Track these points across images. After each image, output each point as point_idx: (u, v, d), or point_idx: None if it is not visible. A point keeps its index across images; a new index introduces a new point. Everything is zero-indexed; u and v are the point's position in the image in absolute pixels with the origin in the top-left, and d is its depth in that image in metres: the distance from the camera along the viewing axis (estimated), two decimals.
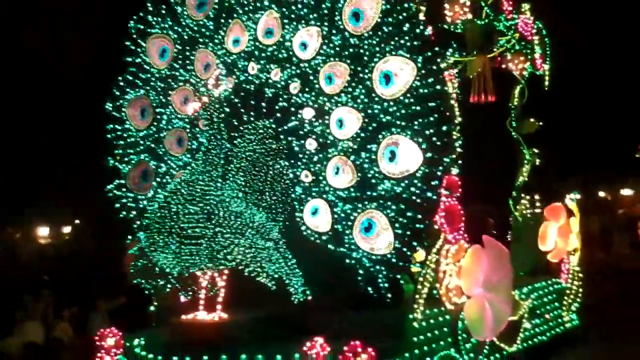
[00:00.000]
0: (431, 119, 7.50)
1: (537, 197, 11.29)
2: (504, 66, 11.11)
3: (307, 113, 8.35)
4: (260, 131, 8.59)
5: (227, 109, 8.58)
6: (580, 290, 11.06)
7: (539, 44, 11.08)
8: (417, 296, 7.74)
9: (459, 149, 7.68)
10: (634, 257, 23.91)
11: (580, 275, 11.07)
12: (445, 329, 8.19)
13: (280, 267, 7.83)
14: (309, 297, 8.11)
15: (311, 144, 8.34)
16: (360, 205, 7.92)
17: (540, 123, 11.30)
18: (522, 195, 11.22)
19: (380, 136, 7.79)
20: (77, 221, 26.81)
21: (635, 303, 14.23)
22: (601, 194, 45.79)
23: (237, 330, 7.77)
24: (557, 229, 10.65)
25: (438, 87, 7.50)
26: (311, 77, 8.35)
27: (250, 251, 7.56)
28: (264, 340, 7.58)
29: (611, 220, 28.53)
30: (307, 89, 8.37)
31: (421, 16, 7.96)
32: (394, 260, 7.69)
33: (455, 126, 7.65)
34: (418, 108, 7.57)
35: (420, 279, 7.73)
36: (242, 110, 8.74)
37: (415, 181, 7.56)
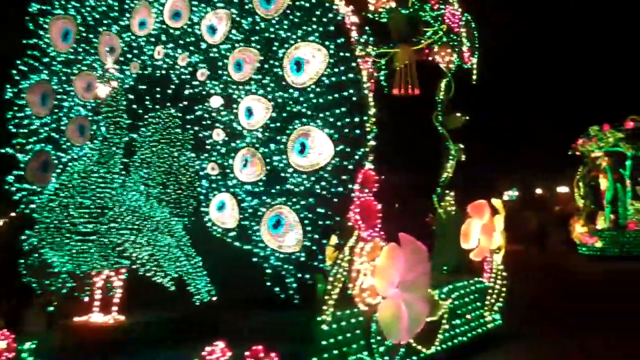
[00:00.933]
0: (343, 109, 7.00)
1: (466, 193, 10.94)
2: (430, 58, 10.76)
3: (215, 101, 7.85)
4: (166, 120, 8.04)
5: (131, 96, 7.97)
6: (504, 289, 10.75)
7: (467, 37, 10.77)
8: (326, 297, 7.25)
9: (372, 142, 7.20)
10: (567, 254, 24.17)
11: (504, 274, 10.74)
12: (357, 332, 7.73)
13: (182, 266, 7.28)
14: (214, 298, 7.58)
15: (218, 135, 7.83)
16: (268, 200, 7.43)
17: (467, 117, 10.95)
18: (447, 191, 10.84)
19: (290, 127, 7.30)
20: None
21: (564, 301, 14.20)
22: (538, 191, 46.50)
23: (134, 333, 7.20)
24: (480, 226, 10.31)
25: (351, 75, 7.01)
26: (220, 63, 7.84)
27: (147, 249, 7.01)
28: (162, 343, 7.01)
29: (548, 217, 28.73)
30: (215, 76, 7.84)
31: (342, 3, 7.47)
32: (302, 258, 7.18)
33: (369, 117, 7.16)
34: (330, 97, 7.10)
35: (330, 278, 7.23)
36: (147, 97, 8.13)
37: (326, 175, 7.10)
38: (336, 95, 7.11)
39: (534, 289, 15.90)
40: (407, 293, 8.09)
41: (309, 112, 7.24)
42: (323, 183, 7.16)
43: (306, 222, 7.25)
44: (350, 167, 7.07)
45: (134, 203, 7.23)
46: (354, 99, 7.07)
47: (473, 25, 10.90)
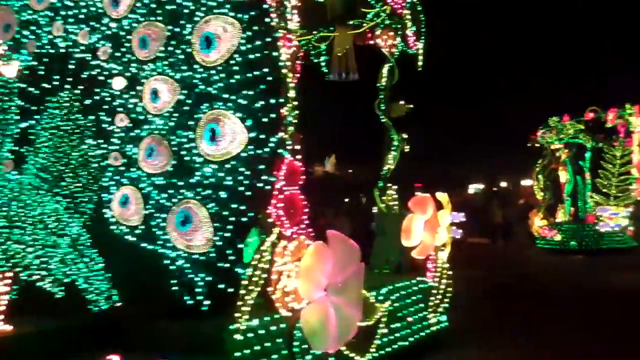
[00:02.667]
0: (257, 90, 6.18)
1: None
2: (372, 42, 10.02)
3: (118, 83, 6.95)
4: (65, 105, 7.10)
5: (28, 78, 7.07)
6: (450, 289, 10.02)
7: (412, 20, 10.02)
8: (239, 303, 6.42)
9: (291, 128, 6.39)
10: (527, 248, 23.74)
11: (450, 272, 10.01)
12: (279, 341, 6.92)
13: (76, 269, 6.38)
14: (117, 304, 6.72)
15: (122, 120, 6.96)
16: (176, 194, 6.58)
17: (411, 106, 10.21)
18: (389, 185, 10.09)
19: (199, 111, 6.47)
20: None
21: (516, 298, 13.61)
22: (503, 184, 46.30)
23: (21, 345, 6.28)
24: (423, 222, 9.55)
25: (266, 52, 6.19)
26: (123, 40, 6.95)
27: (31, 249, 6.07)
28: (53, 356, 6.12)
29: (512, 210, 28.46)
30: (118, 54, 6.95)
31: None
32: (213, 260, 6.35)
33: (288, 100, 6.35)
34: (243, 77, 6.27)
35: (244, 282, 6.40)
36: (45, 79, 7.19)
37: (239, 166, 6.27)
38: (249, 75, 6.28)
39: (486, 286, 15.36)
40: (336, 296, 7.30)
41: (220, 94, 6.42)
42: (235, 174, 6.33)
43: (217, 218, 6.40)
44: (266, 156, 6.23)
45: (21, 197, 6.31)
46: (269, 78, 6.24)
47: (419, 8, 10.15)
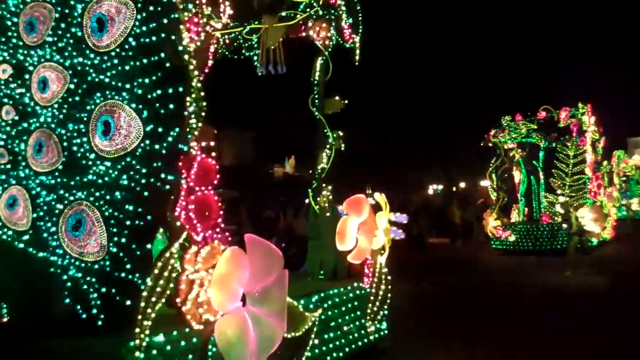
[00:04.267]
0: (154, 78, 5.47)
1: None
2: (304, 34, 9.41)
3: (3, 71, 6.18)
4: None
5: None
6: (389, 294, 9.43)
7: (348, 12, 9.44)
8: (139, 317, 5.69)
9: (194, 121, 5.69)
10: (482, 249, 23.42)
11: (389, 277, 9.42)
12: (190, 357, 6.22)
13: None
14: (4, 319, 5.96)
15: (8, 113, 6.19)
16: (66, 195, 5.85)
17: (346, 102, 9.62)
18: (324, 185, 9.47)
19: (91, 102, 5.74)
20: None
21: (463, 302, 13.14)
22: (462, 184, 46.15)
23: None
24: (358, 225, 8.93)
25: (163, 35, 5.50)
26: (8, 23, 6.19)
27: None
28: None
29: (471, 211, 28.29)
30: (3, 39, 6.19)
31: None
32: (107, 269, 5.63)
33: (190, 89, 5.65)
34: (138, 63, 5.56)
35: (145, 293, 5.68)
36: None
37: (134, 162, 5.56)
38: (145, 61, 5.57)
39: (434, 290, 14.88)
40: (256, 307, 6.66)
41: (114, 83, 5.69)
42: (131, 172, 5.62)
43: (112, 222, 5.68)
44: (164, 152, 5.53)
45: None
46: (167, 65, 5.54)
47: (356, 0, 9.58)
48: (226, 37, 9.42)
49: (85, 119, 5.84)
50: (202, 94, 6.03)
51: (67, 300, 5.92)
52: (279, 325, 6.87)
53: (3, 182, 6.25)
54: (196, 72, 5.88)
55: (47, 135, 6.01)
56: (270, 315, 6.78)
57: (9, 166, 6.23)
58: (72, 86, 5.94)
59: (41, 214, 6.04)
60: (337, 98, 9.73)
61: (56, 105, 6.00)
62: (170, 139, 5.57)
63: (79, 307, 5.87)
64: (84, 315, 5.86)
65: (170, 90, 5.57)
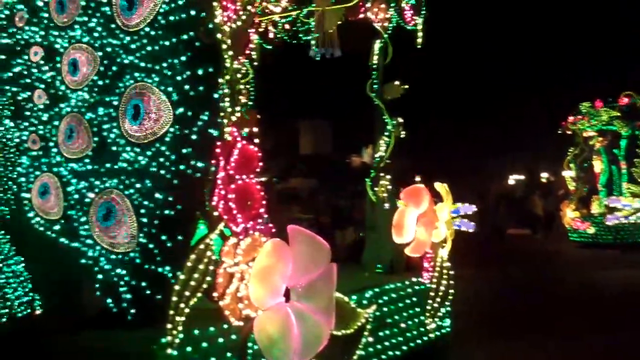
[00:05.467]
0: (183, 58, 5.13)
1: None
2: (362, 16, 8.96)
3: (35, 53, 5.95)
4: None
5: None
6: (451, 290, 8.90)
7: None
8: (172, 312, 5.37)
9: (227, 104, 5.33)
10: (559, 241, 22.51)
11: (451, 272, 8.89)
12: (228, 355, 5.88)
13: None
14: (37, 311, 5.75)
15: (40, 97, 5.96)
16: (97, 183, 5.58)
17: (407, 87, 9.13)
18: (382, 174, 9.02)
19: (121, 84, 5.44)
20: None
21: (535, 297, 12.48)
22: (544, 175, 44.81)
23: None
24: (417, 216, 8.44)
25: (193, 12, 5.15)
26: (39, 3, 5.95)
27: None
28: None
29: (554, 202, 27.34)
30: (35, 20, 5.96)
31: None
32: (138, 261, 5.34)
33: (221, 70, 5.30)
34: (167, 43, 5.22)
35: (177, 287, 5.36)
36: None
37: (164, 148, 5.23)
38: (174, 40, 5.23)
39: (502, 284, 14.22)
40: (300, 303, 6.24)
41: (143, 64, 5.38)
42: (161, 159, 5.30)
43: (142, 211, 5.38)
44: (193, 137, 5.20)
45: None
46: (197, 44, 5.19)
47: None
48: (285, 21, 9.09)
49: (115, 102, 5.54)
50: (240, 76, 5.68)
51: (98, 293, 5.65)
52: (326, 322, 6.42)
53: (36, 169, 6.02)
54: (231, 53, 5.51)
55: (78, 120, 5.76)
56: (316, 311, 6.35)
57: (40, 152, 6.00)
58: (102, 68, 5.66)
59: (72, 202, 5.80)
60: (397, 83, 9.24)
61: (86, 89, 5.74)
62: (200, 123, 5.22)
63: (109, 300, 5.59)
64: (115, 309, 5.58)
65: (200, 71, 5.20)
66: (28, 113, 6.11)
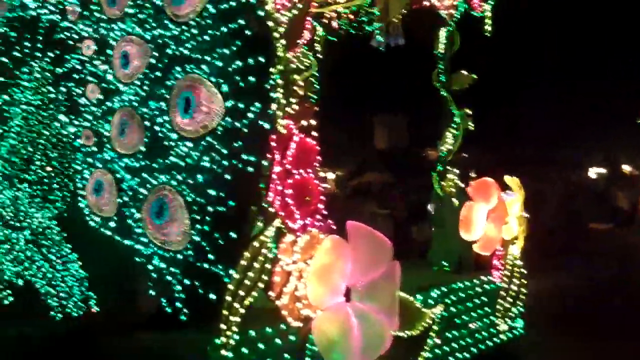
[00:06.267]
0: (234, 48, 4.93)
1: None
2: (427, 4, 8.61)
3: (88, 47, 5.86)
4: (37, 76, 6.09)
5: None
6: (523, 289, 8.48)
7: None
8: (226, 312, 5.19)
9: (280, 95, 5.09)
10: None
11: (523, 271, 8.46)
12: (286, 357, 5.66)
13: (36, 269, 5.37)
14: (93, 309, 5.67)
15: (93, 92, 5.85)
16: (150, 179, 5.44)
17: (475, 77, 8.74)
18: (449, 168, 8.66)
19: (172, 76, 5.28)
20: None
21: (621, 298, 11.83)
22: (626, 167, 43.25)
23: None
24: (486, 212, 8.06)
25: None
26: None
27: None
28: None
29: (636, 195, 26.32)
30: (86, 13, 5.87)
31: None
32: (190, 259, 5.17)
33: (273, 60, 5.06)
34: (217, 33, 5.03)
35: (231, 286, 5.18)
36: (17, 46, 6.22)
37: (215, 142, 5.05)
38: (224, 30, 5.03)
39: (580, 282, 13.55)
40: (361, 302, 5.96)
41: (193, 55, 5.20)
42: (212, 153, 5.12)
43: (194, 208, 5.21)
44: (244, 130, 4.99)
45: None
46: (248, 32, 4.97)
47: None
48: (348, 11, 8.84)
49: (166, 95, 5.38)
50: (295, 67, 5.44)
51: (152, 292, 5.51)
52: (389, 322, 6.13)
53: (90, 165, 5.94)
54: (284, 42, 5.27)
55: (130, 114, 5.63)
56: (378, 311, 6.06)
57: (95, 148, 5.90)
58: (153, 61, 5.52)
59: (126, 199, 5.69)
60: (464, 72, 8.86)
61: (138, 82, 5.61)
62: (251, 115, 5.00)
63: (163, 299, 5.44)
64: (169, 309, 5.43)
65: (251, 61, 4.98)
66: (82, 108, 6.02)
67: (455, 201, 8.59)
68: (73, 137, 6.09)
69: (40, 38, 6.24)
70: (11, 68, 6.36)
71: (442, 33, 8.79)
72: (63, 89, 6.12)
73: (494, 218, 8.17)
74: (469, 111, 8.72)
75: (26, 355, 5.31)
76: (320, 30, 8.74)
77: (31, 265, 5.56)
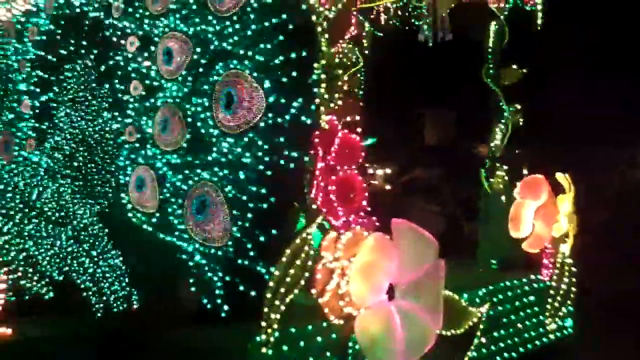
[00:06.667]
0: (275, 42, 4.89)
1: None
2: None
3: (131, 43, 5.87)
4: (81, 72, 6.13)
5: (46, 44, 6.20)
6: (573, 289, 8.28)
7: None
8: (266, 309, 5.14)
9: (322, 90, 5.03)
10: None
11: (573, 269, 8.26)
12: (327, 355, 5.58)
13: (77, 265, 5.39)
14: (135, 306, 5.68)
15: (136, 88, 5.87)
16: (192, 175, 5.43)
17: (525, 71, 8.57)
18: (498, 164, 8.51)
19: (214, 72, 5.26)
20: None
21: None
22: None
23: (20, 350, 5.38)
24: (535, 209, 7.89)
25: None
26: None
27: (16, 241, 5.11)
28: None
29: None
30: (130, 10, 5.88)
31: None
32: (231, 256, 5.15)
33: (317, 54, 5.00)
34: (259, 27, 5.00)
35: (271, 283, 5.12)
36: (62, 44, 6.27)
37: (257, 138, 5.01)
38: (266, 24, 4.98)
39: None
40: (405, 301, 5.86)
41: (235, 50, 5.17)
42: (254, 149, 5.08)
43: (235, 204, 5.18)
44: (286, 125, 4.93)
45: (13, 179, 5.38)
46: (291, 26, 4.91)
47: None
48: (396, 6, 8.76)
49: (208, 91, 5.36)
50: (338, 61, 5.36)
51: (194, 289, 5.50)
52: (433, 321, 6.01)
53: (133, 161, 5.95)
54: (327, 36, 5.19)
55: (172, 110, 5.62)
56: (422, 310, 5.94)
57: (137, 145, 5.91)
58: (195, 57, 5.49)
59: (167, 195, 5.68)
60: (514, 67, 8.70)
61: (180, 78, 5.59)
62: (293, 110, 4.94)
63: (204, 296, 5.42)
64: (209, 306, 5.40)
65: (293, 56, 4.92)
66: (125, 105, 6.03)
67: (504, 198, 8.44)
68: (116, 133, 6.10)
69: (85, 35, 6.26)
70: (56, 65, 6.40)
71: (492, 27, 8.63)
72: (107, 86, 6.12)
73: (544, 215, 8.00)
74: (518, 106, 8.57)
75: (68, 351, 5.34)
76: (367, 26, 8.67)
77: (73, 261, 5.56)
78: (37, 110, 6.34)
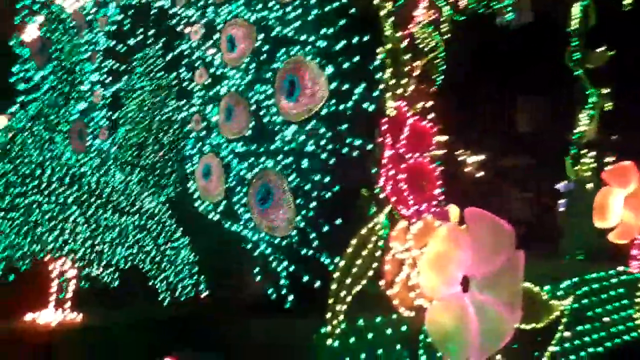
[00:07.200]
0: (337, 27, 4.76)
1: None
2: None
3: (195, 32, 5.84)
4: (149, 62, 6.15)
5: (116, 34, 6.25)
6: None
7: None
8: (332, 300, 5.04)
9: (388, 76, 4.85)
10: None
11: None
12: (398, 348, 5.43)
13: (144, 254, 5.42)
14: (203, 295, 5.68)
15: (201, 76, 5.83)
16: (256, 164, 5.37)
17: (612, 53, 8.13)
18: (584, 151, 8.13)
19: (276, 59, 5.16)
20: None
21: None
22: None
23: (87, 336, 5.46)
24: (623, 198, 7.49)
25: None
26: None
27: (83, 229, 5.17)
28: (120, 351, 5.22)
29: None
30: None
31: None
32: (295, 246, 5.06)
33: (381, 39, 4.83)
34: (320, 12, 4.87)
35: (337, 274, 5.01)
36: (130, 34, 6.30)
37: (320, 126, 4.90)
38: (328, 8, 4.85)
39: None
40: (480, 293, 5.62)
41: (297, 36, 5.05)
42: (317, 137, 4.97)
43: (299, 193, 5.08)
44: (348, 112, 4.79)
45: (80, 170, 5.43)
46: (352, 11, 4.76)
47: None
48: None
49: (271, 79, 5.26)
50: (403, 46, 5.16)
51: (259, 279, 5.44)
52: (510, 315, 5.72)
53: (199, 150, 5.93)
54: (390, 20, 5.00)
55: (236, 99, 5.55)
56: (499, 303, 5.65)
57: (203, 133, 5.88)
58: (258, 43, 5.39)
59: (233, 183, 5.63)
60: (601, 49, 8.26)
61: (243, 66, 5.50)
62: (355, 97, 4.78)
63: (269, 286, 5.36)
64: (274, 296, 5.34)
65: (355, 41, 4.76)
66: (191, 93, 6.01)
67: (590, 186, 8.07)
68: (183, 122, 6.09)
69: (151, 25, 6.27)
70: (125, 55, 6.44)
71: (576, 8, 8.22)
72: (173, 74, 6.12)
73: (633, 204, 7.60)
74: (605, 90, 8.14)
75: (136, 337, 5.38)
76: (446, 10, 8.41)
77: (140, 250, 5.59)
78: (109, 100, 6.37)
